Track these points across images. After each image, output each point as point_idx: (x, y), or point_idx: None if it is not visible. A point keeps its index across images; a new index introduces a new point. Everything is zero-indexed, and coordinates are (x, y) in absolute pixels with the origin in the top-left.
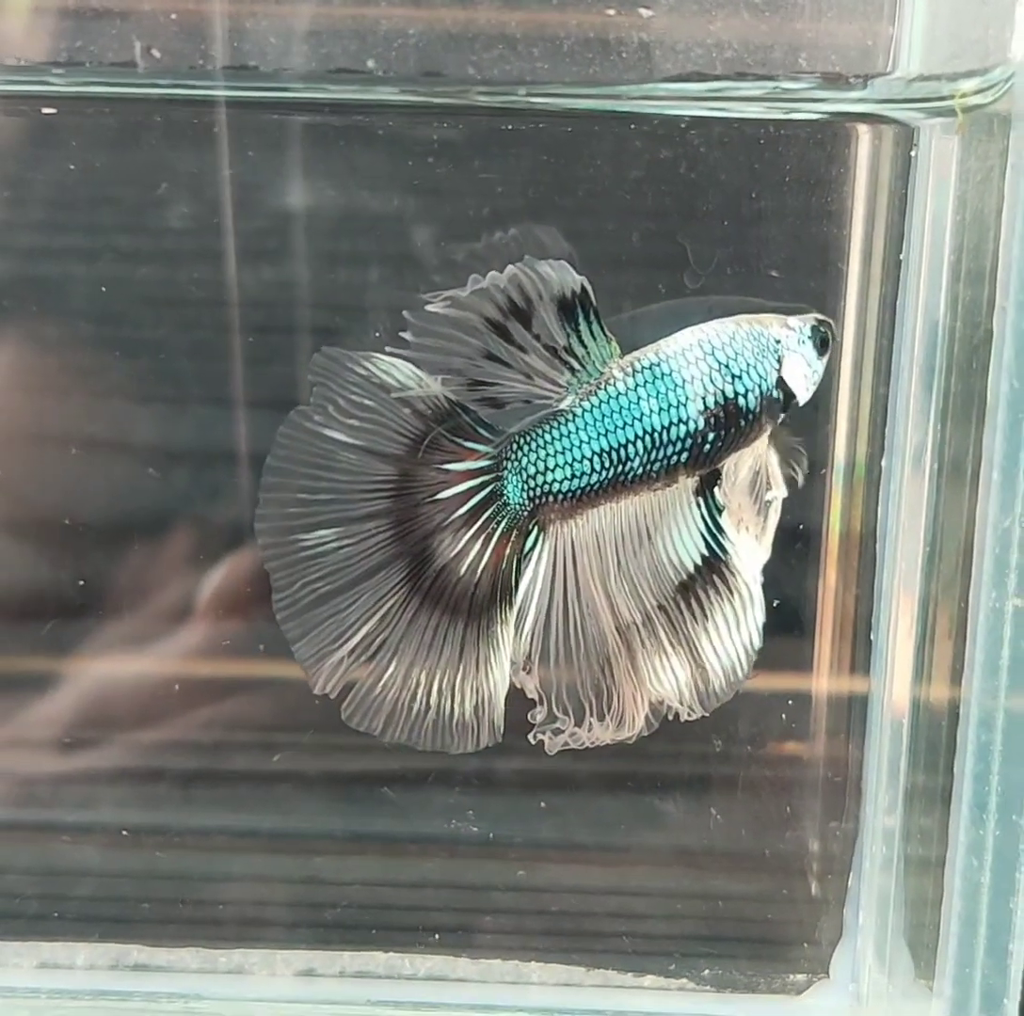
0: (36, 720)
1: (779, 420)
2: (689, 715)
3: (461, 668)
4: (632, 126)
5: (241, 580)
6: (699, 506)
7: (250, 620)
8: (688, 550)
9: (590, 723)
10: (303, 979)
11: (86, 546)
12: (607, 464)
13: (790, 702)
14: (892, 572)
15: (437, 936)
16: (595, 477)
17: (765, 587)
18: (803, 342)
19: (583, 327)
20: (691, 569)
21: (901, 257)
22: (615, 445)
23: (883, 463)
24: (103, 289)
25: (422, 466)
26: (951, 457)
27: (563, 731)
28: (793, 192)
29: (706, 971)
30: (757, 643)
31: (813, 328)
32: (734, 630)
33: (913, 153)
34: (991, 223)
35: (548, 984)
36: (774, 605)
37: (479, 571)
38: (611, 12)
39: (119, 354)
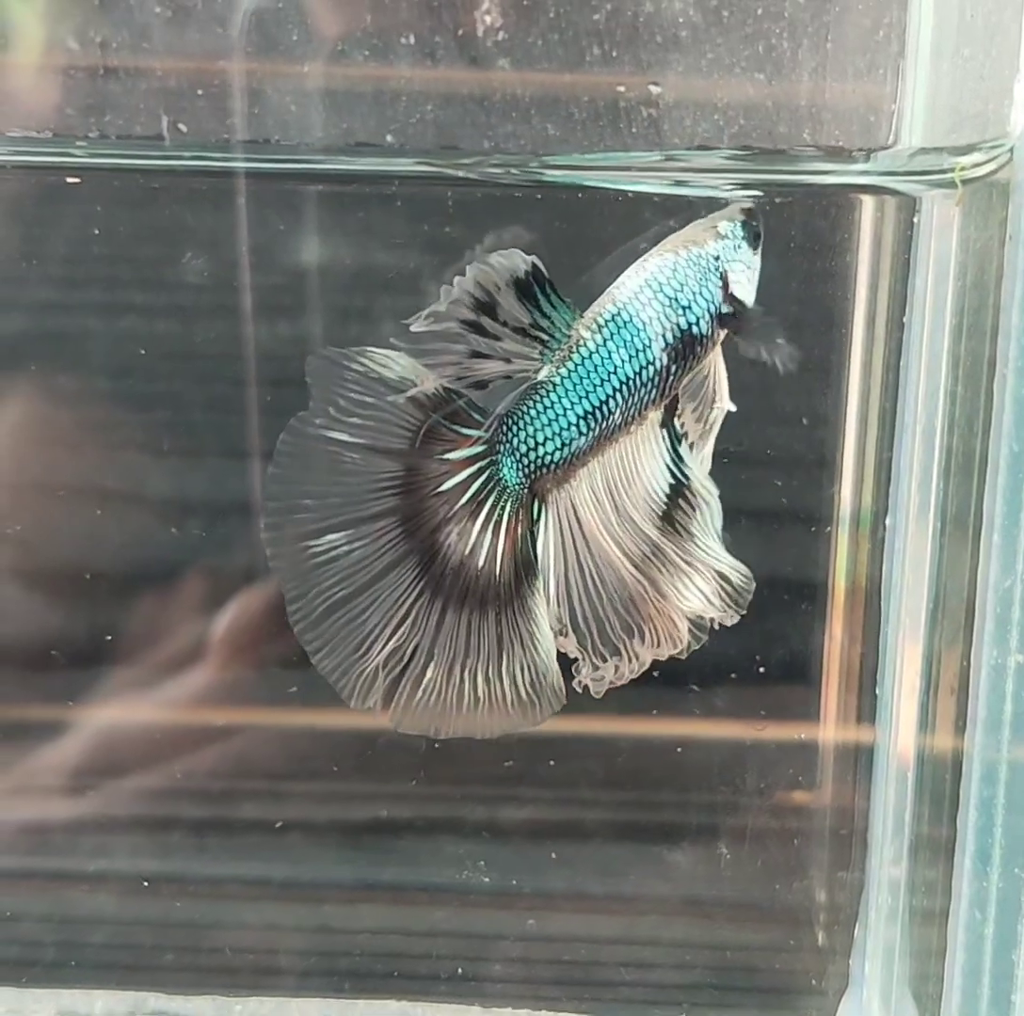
0: (51, 767)
1: (730, 329)
2: (731, 620)
3: (503, 654)
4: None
5: (251, 626)
6: (664, 437)
7: (263, 666)
8: (662, 470)
9: (634, 653)
10: None
11: (104, 598)
12: (592, 424)
13: (797, 753)
14: (897, 626)
15: (449, 984)
16: (583, 440)
17: (775, 640)
18: (739, 247)
19: (542, 300)
20: (665, 489)
21: (904, 320)
22: (597, 404)
23: (888, 521)
24: (142, 350)
25: (424, 458)
26: (954, 515)
27: (605, 675)
28: (798, 257)
29: None
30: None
31: (744, 225)
32: (709, 528)
33: (915, 219)
34: (991, 289)
35: None
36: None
37: (499, 559)
38: (621, 88)
39: (136, 407)
